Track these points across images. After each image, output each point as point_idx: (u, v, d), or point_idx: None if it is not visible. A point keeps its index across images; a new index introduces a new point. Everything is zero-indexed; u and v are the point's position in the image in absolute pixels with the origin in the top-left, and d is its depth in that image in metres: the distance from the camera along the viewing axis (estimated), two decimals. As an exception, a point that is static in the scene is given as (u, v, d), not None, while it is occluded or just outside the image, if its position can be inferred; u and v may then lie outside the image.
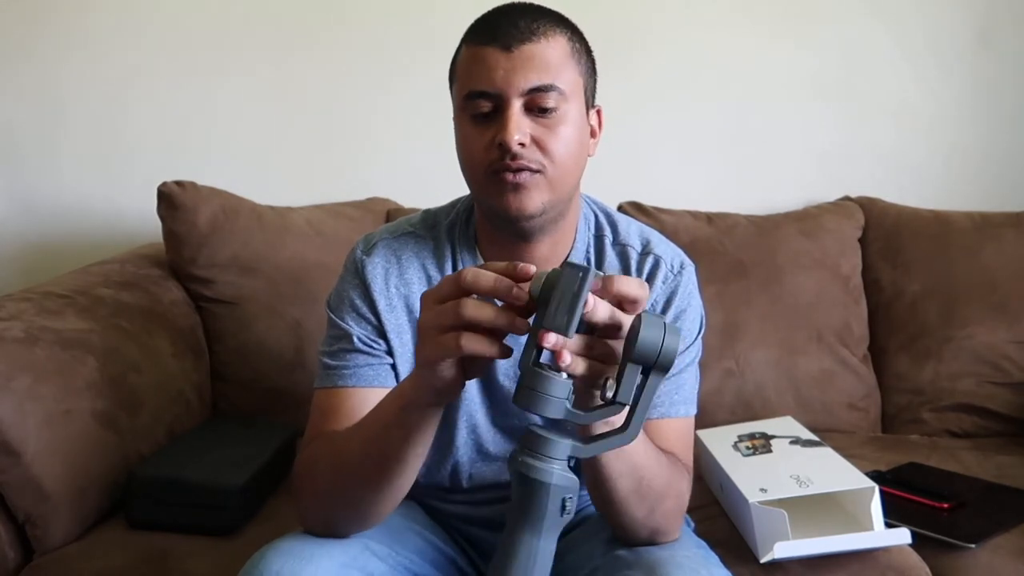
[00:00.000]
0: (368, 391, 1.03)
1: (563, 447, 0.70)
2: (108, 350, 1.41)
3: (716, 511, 1.36)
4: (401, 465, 0.89)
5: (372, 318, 1.07)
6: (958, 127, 2.05)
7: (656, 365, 0.71)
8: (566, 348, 0.72)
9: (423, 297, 0.81)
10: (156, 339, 1.55)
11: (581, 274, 0.70)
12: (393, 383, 1.06)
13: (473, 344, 0.75)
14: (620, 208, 1.89)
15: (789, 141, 2.05)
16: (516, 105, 0.95)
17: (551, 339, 0.71)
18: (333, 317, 1.09)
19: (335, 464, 0.94)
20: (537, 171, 0.97)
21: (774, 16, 2.01)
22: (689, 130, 2.04)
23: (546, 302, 0.71)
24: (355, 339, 1.05)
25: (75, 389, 1.31)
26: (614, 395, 0.72)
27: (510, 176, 0.96)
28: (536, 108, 0.96)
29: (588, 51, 1.04)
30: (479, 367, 0.83)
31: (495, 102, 0.96)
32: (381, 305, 1.07)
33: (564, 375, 0.71)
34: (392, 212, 1.89)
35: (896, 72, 2.03)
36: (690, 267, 1.12)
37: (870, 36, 2.02)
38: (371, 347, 1.06)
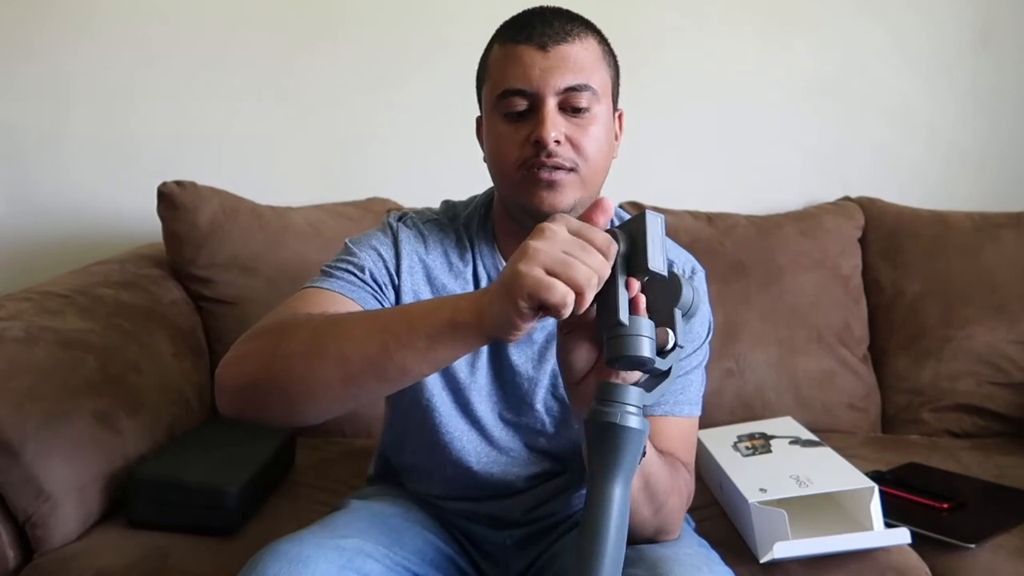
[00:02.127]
0: (342, 298, 0.99)
1: (641, 395, 0.73)
2: (108, 350, 1.41)
3: (716, 511, 1.36)
4: (390, 375, 0.80)
5: (393, 269, 1.07)
6: (958, 127, 2.05)
7: (687, 314, 0.77)
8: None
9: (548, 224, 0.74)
10: (156, 339, 1.55)
11: (662, 218, 0.75)
12: (370, 305, 1.02)
13: (591, 288, 0.71)
14: (620, 208, 1.88)
15: (789, 141, 2.05)
16: (552, 103, 0.97)
17: (637, 286, 0.75)
18: (350, 246, 1.08)
19: (320, 335, 0.84)
20: (571, 169, 0.99)
21: (774, 16, 2.01)
22: (689, 130, 2.04)
23: (635, 250, 0.74)
24: (366, 269, 1.04)
25: (75, 389, 1.31)
26: (675, 340, 0.76)
27: (545, 174, 0.98)
28: (570, 107, 0.98)
29: (615, 56, 1.06)
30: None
31: (530, 100, 0.98)
32: (404, 265, 1.07)
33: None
34: (392, 212, 1.89)
35: (896, 72, 2.04)
36: (701, 272, 1.16)
37: (870, 36, 2.02)
38: (378, 283, 1.04)
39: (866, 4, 2.02)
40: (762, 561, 1.16)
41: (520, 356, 1.10)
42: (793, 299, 1.81)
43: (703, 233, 1.85)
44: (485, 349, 1.09)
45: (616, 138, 1.07)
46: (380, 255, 1.06)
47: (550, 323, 1.08)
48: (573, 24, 1.00)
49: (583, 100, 0.98)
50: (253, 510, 1.34)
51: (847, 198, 2.01)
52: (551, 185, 0.98)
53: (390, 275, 1.06)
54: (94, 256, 1.79)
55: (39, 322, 1.36)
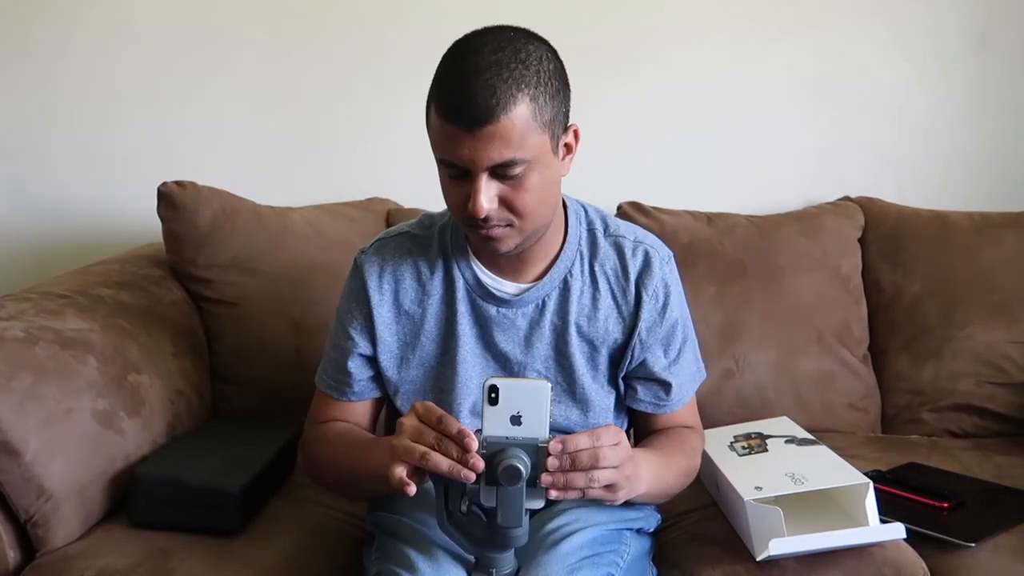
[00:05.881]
0: (347, 404, 1.25)
1: None
2: (108, 350, 1.41)
3: (713, 512, 1.36)
4: (371, 492, 1.19)
5: (365, 319, 1.21)
6: (958, 127, 2.05)
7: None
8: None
9: (407, 419, 1.00)
10: (156, 339, 1.55)
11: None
12: (375, 393, 1.25)
13: (437, 463, 0.95)
14: (620, 208, 1.89)
15: (789, 141, 2.05)
16: (483, 177, 1.02)
17: None
18: (335, 326, 1.25)
19: (330, 470, 1.21)
20: (508, 225, 1.07)
21: (774, 16, 2.01)
22: (689, 130, 2.04)
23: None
24: (348, 350, 1.21)
25: (75, 389, 1.31)
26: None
27: (483, 231, 1.07)
28: (502, 174, 1.03)
29: (555, 82, 1.04)
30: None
31: (463, 171, 1.03)
32: (374, 300, 1.20)
33: None
34: (392, 212, 1.89)
35: (896, 72, 2.03)
36: (673, 256, 1.26)
37: (870, 36, 2.02)
38: (358, 368, 1.22)
39: (866, 4, 2.01)
40: (758, 559, 1.16)
41: (508, 342, 1.19)
42: (793, 299, 1.81)
43: (703, 233, 1.85)
44: (471, 340, 1.19)
45: (570, 151, 1.11)
46: (354, 316, 1.21)
47: (530, 308, 1.18)
48: (498, 95, 0.98)
49: (514, 170, 1.02)
50: (254, 511, 1.34)
51: (847, 198, 2.01)
52: (490, 239, 1.08)
53: (365, 329, 1.21)
54: (94, 256, 1.79)
55: (39, 322, 1.36)
